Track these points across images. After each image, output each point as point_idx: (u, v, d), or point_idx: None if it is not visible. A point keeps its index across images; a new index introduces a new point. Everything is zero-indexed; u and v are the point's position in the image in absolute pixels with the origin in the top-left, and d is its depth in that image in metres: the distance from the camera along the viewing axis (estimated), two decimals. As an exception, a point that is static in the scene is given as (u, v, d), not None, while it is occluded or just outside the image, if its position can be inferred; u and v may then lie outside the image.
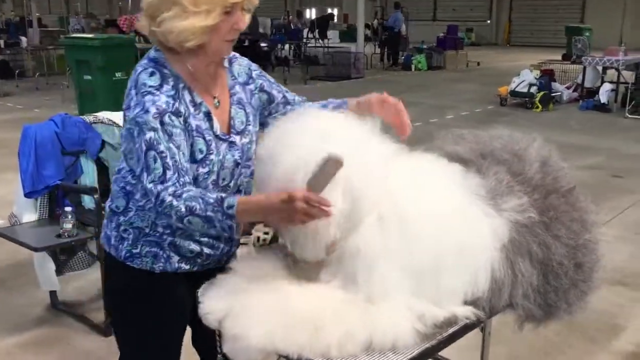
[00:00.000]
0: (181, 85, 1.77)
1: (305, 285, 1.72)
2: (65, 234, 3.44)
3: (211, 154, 1.79)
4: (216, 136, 1.82)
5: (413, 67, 17.80)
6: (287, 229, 1.72)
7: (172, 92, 1.74)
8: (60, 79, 12.67)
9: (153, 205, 1.70)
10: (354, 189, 1.66)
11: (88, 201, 3.85)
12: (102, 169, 4.00)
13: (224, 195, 1.68)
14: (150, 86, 1.72)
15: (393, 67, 18.46)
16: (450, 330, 1.71)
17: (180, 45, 1.73)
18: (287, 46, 19.37)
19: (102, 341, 3.56)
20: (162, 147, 1.68)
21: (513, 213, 1.88)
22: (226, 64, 1.94)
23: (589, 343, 3.53)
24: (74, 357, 3.43)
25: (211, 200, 1.64)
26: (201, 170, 1.78)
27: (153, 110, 1.69)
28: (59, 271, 3.87)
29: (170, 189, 1.66)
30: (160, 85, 1.73)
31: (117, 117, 4.06)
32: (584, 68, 11.77)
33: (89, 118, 3.98)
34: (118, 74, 9.46)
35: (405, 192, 1.72)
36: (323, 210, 1.57)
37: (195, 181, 1.77)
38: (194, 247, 1.88)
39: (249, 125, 1.93)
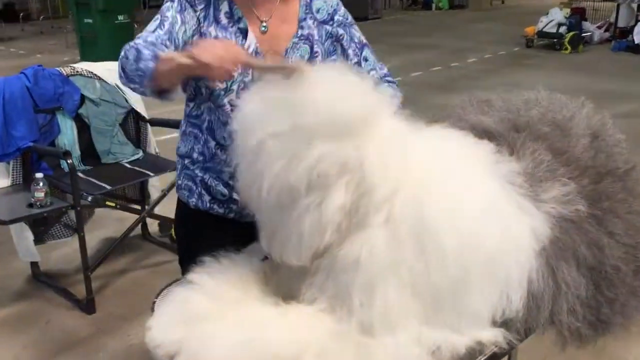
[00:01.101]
0: None
1: (283, 308, 1.32)
2: (38, 203, 3.06)
3: (234, 70, 1.62)
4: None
5: (434, 6, 17.02)
6: (268, 222, 1.33)
7: None
8: (66, 22, 12.18)
9: None
10: (365, 178, 1.26)
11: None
12: (83, 127, 3.61)
13: None
14: None
15: (412, 6, 17.65)
16: (474, 364, 1.32)
17: None
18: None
19: (84, 319, 3.25)
20: (168, 14, 1.70)
21: (556, 205, 1.45)
22: None
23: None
24: (53, 336, 3.12)
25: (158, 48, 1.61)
26: (217, 83, 1.70)
27: None
28: (41, 240, 3.55)
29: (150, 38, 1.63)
30: None
31: (98, 68, 3.65)
32: (617, 6, 11.06)
33: (65, 70, 3.55)
34: (120, 17, 9.00)
35: (424, 185, 1.29)
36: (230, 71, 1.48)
37: (211, 94, 1.75)
38: (223, 189, 1.84)
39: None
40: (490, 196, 1.35)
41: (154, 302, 1.58)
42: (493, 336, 1.36)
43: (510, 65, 9.37)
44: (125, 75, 1.62)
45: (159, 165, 3.67)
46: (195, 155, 1.85)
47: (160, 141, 4.16)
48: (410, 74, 8.61)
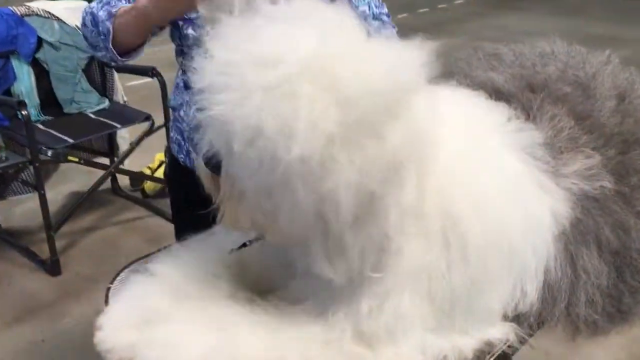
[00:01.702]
0: None
1: (262, 307, 1.10)
2: (-9, 158, 2.80)
3: None
4: None
5: (419, -57, 16.34)
6: (339, 242, 1.02)
7: None
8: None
9: None
10: (421, 161, 1.03)
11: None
12: (42, 73, 3.30)
13: None
14: None
15: (398, -57, 16.97)
16: (481, 367, 1.13)
17: None
18: None
19: (48, 281, 3.04)
20: None
21: (578, 180, 1.23)
22: None
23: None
24: (14, 300, 2.92)
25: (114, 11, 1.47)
26: (191, 32, 1.55)
27: None
28: (1, 196, 3.29)
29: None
30: None
31: (56, 7, 3.31)
32: (610, -55, 10.60)
33: (19, 9, 3.21)
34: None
35: (448, 168, 1.06)
36: None
37: (182, 44, 1.59)
38: None
39: None
40: (513, 175, 1.14)
41: (109, 288, 1.37)
42: (504, 334, 1.18)
43: (499, 8, 9.03)
44: (89, 43, 1.55)
45: (127, 115, 3.39)
46: (182, 112, 1.75)
47: (128, 87, 3.87)
48: (396, 16, 8.19)
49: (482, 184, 1.07)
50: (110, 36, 1.43)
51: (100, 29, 1.46)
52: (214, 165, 1.03)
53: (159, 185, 3.74)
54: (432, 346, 1.07)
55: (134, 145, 3.32)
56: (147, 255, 1.47)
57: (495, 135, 1.16)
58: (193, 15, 1.56)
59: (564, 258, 1.21)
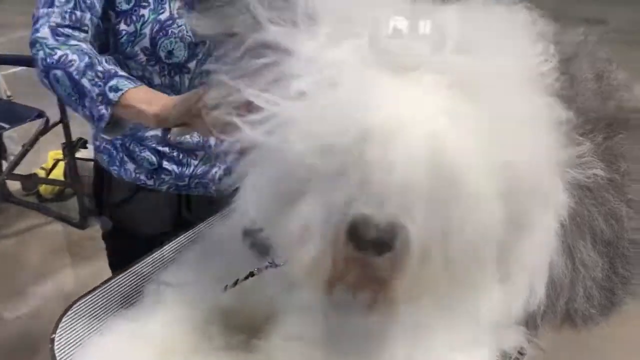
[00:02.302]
0: None
1: (262, 354, 0.94)
2: None
3: (144, 7, 1.37)
4: None
5: None
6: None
7: None
8: None
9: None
10: None
11: None
12: None
13: (121, 72, 1.25)
14: None
15: None
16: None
17: None
18: None
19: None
20: None
21: (570, 169, 1.17)
22: None
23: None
24: None
25: (99, 69, 1.23)
26: (123, 27, 1.39)
27: None
28: None
29: (54, 18, 1.28)
30: None
31: None
32: None
33: None
34: None
35: None
36: None
37: (117, 43, 1.40)
38: (150, 156, 1.54)
39: None
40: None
41: (52, 339, 1.14)
42: (516, 341, 1.11)
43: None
44: (56, 94, 1.30)
45: (14, 113, 3.04)
46: None
47: (10, 76, 3.44)
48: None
49: None
50: (103, 123, 1.23)
51: (87, 105, 1.23)
52: (389, 240, 0.73)
53: (56, 187, 3.39)
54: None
55: (27, 148, 2.97)
56: (91, 291, 1.25)
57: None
58: (125, 7, 1.37)
59: (564, 251, 1.16)
